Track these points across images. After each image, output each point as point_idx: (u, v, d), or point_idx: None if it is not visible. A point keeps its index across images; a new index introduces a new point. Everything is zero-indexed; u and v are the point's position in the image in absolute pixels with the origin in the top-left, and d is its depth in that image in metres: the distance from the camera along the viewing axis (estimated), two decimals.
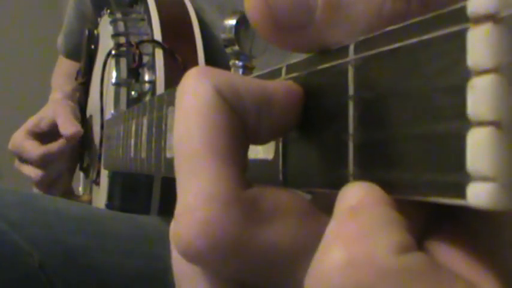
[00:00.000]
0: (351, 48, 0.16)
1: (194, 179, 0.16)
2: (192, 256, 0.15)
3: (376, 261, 0.13)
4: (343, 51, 0.16)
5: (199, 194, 0.15)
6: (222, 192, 0.15)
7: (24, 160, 0.74)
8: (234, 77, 0.17)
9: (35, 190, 0.76)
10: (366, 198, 0.14)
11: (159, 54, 0.58)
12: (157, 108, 0.38)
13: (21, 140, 0.74)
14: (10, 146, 0.74)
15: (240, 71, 0.30)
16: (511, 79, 0.11)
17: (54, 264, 0.53)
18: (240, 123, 0.17)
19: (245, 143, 0.17)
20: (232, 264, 0.15)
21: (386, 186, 0.14)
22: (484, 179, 0.11)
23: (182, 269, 0.17)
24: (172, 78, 0.57)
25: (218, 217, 0.15)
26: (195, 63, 0.59)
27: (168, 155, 0.35)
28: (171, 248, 0.17)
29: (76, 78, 0.78)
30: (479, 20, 0.11)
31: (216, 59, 0.59)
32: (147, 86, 0.59)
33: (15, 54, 1.91)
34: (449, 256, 0.14)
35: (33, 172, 0.73)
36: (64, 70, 0.86)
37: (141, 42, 0.59)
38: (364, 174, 0.15)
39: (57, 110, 0.74)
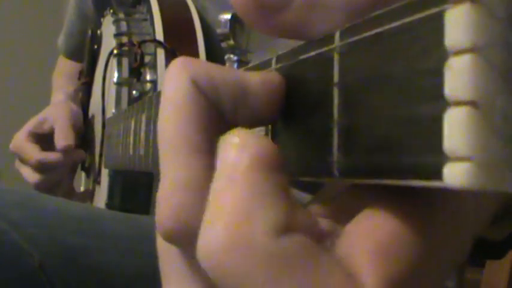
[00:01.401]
0: (337, 35, 0.16)
1: (171, 167, 0.17)
2: (167, 237, 0.17)
3: (254, 245, 0.13)
4: (329, 38, 0.16)
5: (173, 181, 0.17)
6: (193, 180, 0.16)
7: (23, 162, 0.74)
8: (212, 68, 0.18)
9: (35, 190, 0.76)
10: (245, 160, 0.14)
11: (160, 54, 0.59)
12: (155, 105, 0.38)
13: (21, 142, 0.74)
14: (11, 146, 0.74)
15: (235, 65, 0.30)
16: (487, 59, 0.11)
17: (54, 264, 0.53)
18: (215, 113, 0.17)
19: (221, 133, 0.17)
20: None
21: (371, 171, 0.14)
22: (460, 159, 0.11)
23: (163, 249, 0.19)
24: None
25: (189, 204, 0.16)
26: None
27: None
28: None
29: (79, 78, 0.79)
30: (457, 0, 0.11)
31: (217, 58, 0.59)
32: (148, 85, 0.59)
33: (16, 54, 1.92)
34: (354, 243, 0.15)
35: (31, 176, 0.73)
36: (65, 70, 0.86)
37: (143, 42, 0.59)
38: (349, 160, 0.15)
39: (57, 115, 0.74)
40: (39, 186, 0.74)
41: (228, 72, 0.18)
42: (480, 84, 0.11)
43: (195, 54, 0.59)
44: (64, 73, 0.86)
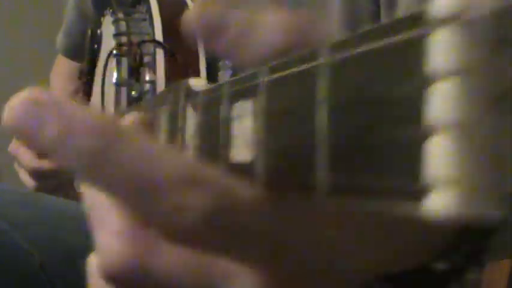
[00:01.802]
0: (324, 51, 0.16)
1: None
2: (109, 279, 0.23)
3: None
4: (316, 53, 0.16)
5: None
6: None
7: (21, 166, 0.74)
8: None
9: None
10: None
11: (159, 54, 0.58)
12: (151, 108, 0.38)
13: (18, 145, 0.73)
14: (10, 148, 0.74)
15: (229, 70, 0.30)
16: (472, 84, 0.11)
17: (55, 264, 0.53)
18: None
19: None
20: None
21: (356, 191, 0.14)
22: (444, 186, 0.11)
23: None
24: (173, 79, 0.57)
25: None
26: (196, 63, 0.58)
27: None
28: None
29: (79, 78, 0.78)
30: (440, 23, 0.11)
31: (217, 59, 0.59)
32: (147, 85, 0.59)
33: (15, 54, 1.91)
34: None
35: (27, 181, 0.73)
36: (64, 70, 0.85)
37: (142, 42, 0.59)
38: (336, 179, 0.15)
39: None
40: (38, 191, 0.73)
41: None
42: (464, 110, 0.11)
43: (194, 54, 0.58)
44: (63, 73, 0.85)
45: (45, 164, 0.71)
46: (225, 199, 0.20)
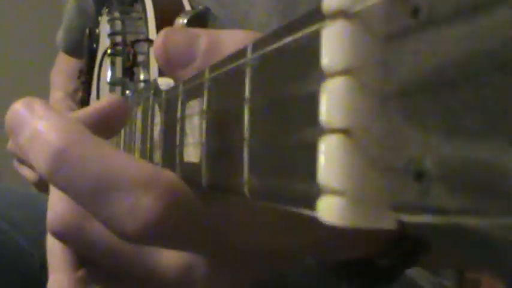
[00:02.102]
0: (249, 48, 0.15)
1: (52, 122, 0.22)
2: (52, 234, 0.26)
3: None
4: (242, 51, 0.15)
5: (60, 128, 0.21)
6: (77, 127, 0.21)
7: (21, 161, 0.74)
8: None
9: (34, 190, 0.76)
10: None
11: (153, 53, 0.58)
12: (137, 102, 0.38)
13: None
14: (9, 145, 0.74)
15: None
16: (363, 81, 0.10)
17: None
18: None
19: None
20: (75, 242, 0.26)
21: (274, 195, 0.13)
22: (333, 192, 0.10)
23: (50, 244, 0.27)
24: (167, 78, 0.57)
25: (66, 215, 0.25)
26: None
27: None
28: None
29: (79, 77, 0.78)
30: (333, 16, 0.10)
31: None
32: (141, 85, 0.59)
33: (15, 53, 1.93)
34: None
35: (30, 175, 0.73)
36: (64, 68, 0.86)
37: (136, 41, 0.58)
38: (257, 182, 0.14)
39: None
40: (39, 185, 0.74)
41: (89, 109, 0.28)
42: (354, 110, 0.10)
43: None
44: (63, 71, 0.86)
45: None
46: (173, 202, 0.21)
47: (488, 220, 0.08)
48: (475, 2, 0.08)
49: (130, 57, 0.57)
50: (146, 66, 0.58)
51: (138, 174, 0.20)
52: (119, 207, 0.20)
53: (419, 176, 0.09)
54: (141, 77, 0.59)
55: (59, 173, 0.20)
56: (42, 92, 0.89)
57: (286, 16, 0.58)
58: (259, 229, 0.23)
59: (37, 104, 0.22)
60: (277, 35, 0.13)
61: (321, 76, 0.10)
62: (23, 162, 0.73)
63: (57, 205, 0.25)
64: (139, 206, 0.20)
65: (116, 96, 0.28)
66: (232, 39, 0.23)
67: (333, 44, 0.10)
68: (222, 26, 0.54)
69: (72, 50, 0.84)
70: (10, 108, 0.22)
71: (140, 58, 0.58)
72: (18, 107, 0.22)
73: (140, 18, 0.62)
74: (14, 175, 0.76)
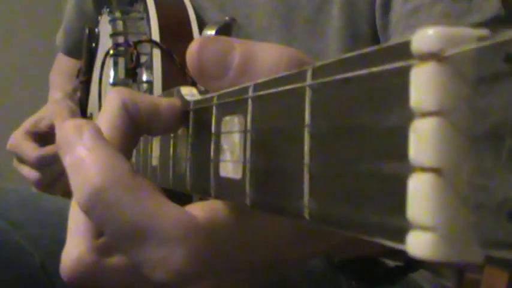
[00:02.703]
0: (309, 73, 0.15)
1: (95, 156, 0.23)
2: (84, 207, 0.23)
3: None
4: (301, 75, 0.16)
5: (101, 165, 0.22)
6: (118, 167, 0.22)
7: (22, 161, 0.74)
8: (136, 95, 0.26)
9: (34, 190, 0.76)
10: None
11: (156, 54, 0.58)
12: None
13: (19, 140, 0.73)
14: (8, 145, 0.74)
15: None
16: (453, 123, 0.10)
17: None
18: (133, 125, 0.25)
19: (136, 137, 0.26)
20: (104, 221, 0.23)
21: (340, 221, 0.14)
22: (424, 228, 0.10)
23: (73, 214, 0.27)
24: (170, 79, 0.57)
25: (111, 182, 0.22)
26: None
27: (154, 163, 0.34)
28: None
29: (77, 77, 0.78)
30: (423, 57, 0.11)
31: None
32: (144, 86, 0.58)
33: (15, 54, 1.91)
34: None
35: (30, 173, 0.73)
36: (64, 68, 0.85)
37: (139, 42, 0.58)
38: (319, 206, 0.15)
39: (56, 112, 0.74)
40: (39, 183, 0.73)
41: (147, 97, 0.26)
42: (445, 151, 0.10)
43: None
44: (63, 71, 0.85)
45: (48, 150, 0.72)
46: (205, 256, 0.22)
47: None
48: None
49: (133, 58, 0.57)
50: (149, 67, 0.58)
51: (173, 225, 0.21)
52: (151, 256, 0.21)
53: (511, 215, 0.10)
54: (144, 78, 0.58)
55: (94, 211, 0.22)
56: (43, 94, 0.89)
57: (286, 20, 0.59)
58: (280, 240, 0.24)
59: (86, 130, 0.22)
60: (345, 64, 0.13)
61: (409, 114, 0.11)
62: (23, 161, 0.72)
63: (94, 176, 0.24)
64: (172, 258, 0.21)
65: (178, 102, 0.27)
66: (267, 53, 0.23)
67: (424, 85, 0.10)
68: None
69: (72, 51, 0.84)
70: (63, 124, 0.23)
71: (143, 59, 0.58)
72: (69, 129, 0.22)
73: (142, 19, 0.62)
74: (14, 175, 0.76)
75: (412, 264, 0.39)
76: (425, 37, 0.11)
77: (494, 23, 0.47)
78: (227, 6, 0.61)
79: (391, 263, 0.40)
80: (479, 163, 0.10)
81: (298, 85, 0.15)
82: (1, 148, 0.79)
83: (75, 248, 0.26)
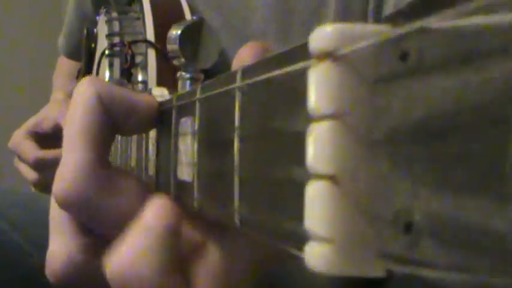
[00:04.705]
0: (238, 74, 0.15)
1: (69, 154, 0.23)
2: (61, 205, 0.23)
3: None
4: (233, 76, 0.15)
5: (70, 164, 0.22)
6: (85, 166, 0.22)
7: (22, 159, 0.74)
8: (113, 88, 0.25)
9: (33, 190, 0.76)
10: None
11: (151, 54, 0.58)
12: None
13: (19, 140, 0.73)
14: (9, 144, 0.74)
15: (188, 82, 0.29)
16: (350, 126, 0.10)
17: None
18: (109, 120, 0.24)
19: (111, 135, 0.24)
20: (84, 215, 0.23)
21: (263, 228, 0.13)
22: (320, 240, 0.10)
23: (54, 213, 0.25)
24: (165, 79, 0.57)
25: (79, 182, 0.22)
26: None
27: (132, 164, 0.34)
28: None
29: (77, 77, 0.78)
30: (320, 57, 0.10)
31: None
32: (139, 86, 0.58)
33: (16, 54, 1.92)
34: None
35: (28, 173, 0.73)
36: (65, 70, 0.85)
37: (134, 42, 0.58)
38: (248, 212, 0.14)
39: (57, 112, 0.74)
40: (38, 184, 0.74)
41: (124, 92, 0.25)
42: (340, 157, 0.10)
43: None
44: (64, 73, 0.85)
45: (48, 153, 0.72)
46: None
47: (475, 278, 0.08)
48: (464, 56, 0.08)
49: (128, 58, 0.56)
50: (144, 67, 0.58)
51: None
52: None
53: (408, 227, 0.09)
54: (139, 78, 0.58)
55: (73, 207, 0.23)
56: (43, 94, 0.89)
57: (283, 25, 0.58)
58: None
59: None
60: (266, 64, 0.13)
61: (307, 118, 0.10)
62: (23, 160, 0.73)
63: (67, 174, 0.24)
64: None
65: (156, 101, 0.25)
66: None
67: (320, 86, 0.10)
68: (220, 33, 0.54)
69: (73, 54, 0.84)
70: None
71: (138, 59, 0.58)
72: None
73: (138, 19, 0.62)
74: (14, 175, 0.76)
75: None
76: (322, 35, 0.10)
77: None
78: (224, 8, 0.61)
79: None
80: (377, 170, 0.09)
81: (230, 87, 0.15)
82: (1, 148, 0.79)
83: (63, 249, 0.25)
